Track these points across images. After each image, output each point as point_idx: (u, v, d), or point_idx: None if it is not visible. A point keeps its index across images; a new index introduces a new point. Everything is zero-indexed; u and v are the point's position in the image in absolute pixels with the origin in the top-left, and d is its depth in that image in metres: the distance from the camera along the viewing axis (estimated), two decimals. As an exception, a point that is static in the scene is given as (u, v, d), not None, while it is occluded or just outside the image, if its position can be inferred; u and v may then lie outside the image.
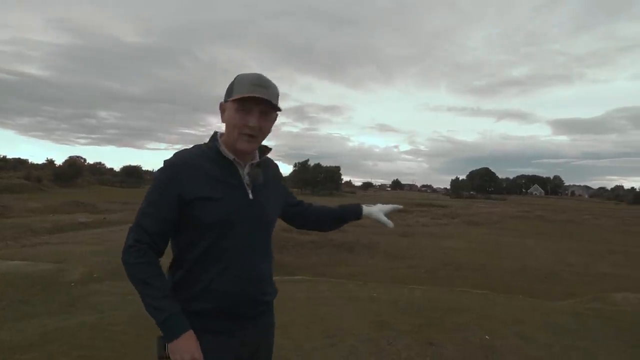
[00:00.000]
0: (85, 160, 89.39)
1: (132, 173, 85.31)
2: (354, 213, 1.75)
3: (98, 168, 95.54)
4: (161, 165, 1.31)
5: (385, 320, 4.66)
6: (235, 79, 1.35)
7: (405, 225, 33.32)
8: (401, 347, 3.90)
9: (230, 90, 1.34)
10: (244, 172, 1.40)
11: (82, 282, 6.51)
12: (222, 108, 1.39)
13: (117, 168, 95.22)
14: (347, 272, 13.50)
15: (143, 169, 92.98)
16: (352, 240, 21.98)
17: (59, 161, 78.29)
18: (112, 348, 3.73)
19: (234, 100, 1.30)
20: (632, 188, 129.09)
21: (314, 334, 4.10)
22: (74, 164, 71.51)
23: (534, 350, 4.01)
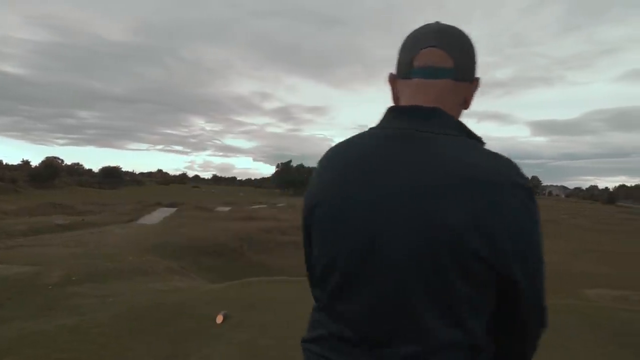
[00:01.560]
0: (62, 161, 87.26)
1: (111, 174, 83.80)
2: None
3: (76, 169, 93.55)
4: (529, 191, 0.73)
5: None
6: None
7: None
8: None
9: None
10: None
11: (60, 284, 6.38)
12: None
13: (95, 169, 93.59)
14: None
15: (123, 169, 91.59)
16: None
17: (35, 162, 76.43)
18: (91, 350, 3.68)
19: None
20: (606, 188, 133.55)
21: (294, 333, 4.12)
22: (51, 165, 69.75)
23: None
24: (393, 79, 0.90)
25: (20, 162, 77.72)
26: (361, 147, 0.82)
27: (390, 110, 0.84)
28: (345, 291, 0.78)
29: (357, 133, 0.88)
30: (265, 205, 47.80)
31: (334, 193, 0.80)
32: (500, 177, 0.70)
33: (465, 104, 0.88)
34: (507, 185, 0.70)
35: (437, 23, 0.86)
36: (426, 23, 0.87)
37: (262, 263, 15.14)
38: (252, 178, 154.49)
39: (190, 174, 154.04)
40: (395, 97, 0.90)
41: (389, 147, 0.78)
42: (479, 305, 0.72)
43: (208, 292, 6.15)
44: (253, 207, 44.06)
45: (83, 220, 22.57)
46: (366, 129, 0.87)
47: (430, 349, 0.71)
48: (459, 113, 0.86)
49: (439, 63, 0.82)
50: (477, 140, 0.80)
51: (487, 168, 0.71)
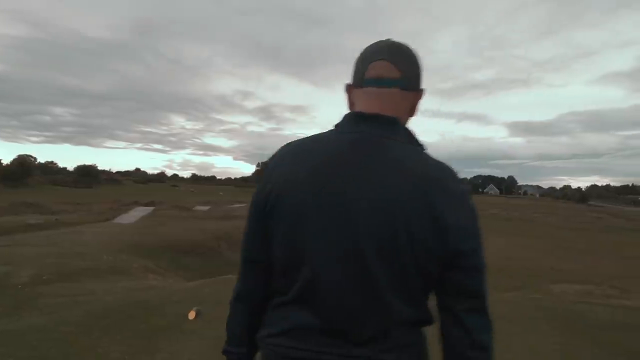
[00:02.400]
0: (35, 159, 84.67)
1: (86, 173, 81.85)
2: None
3: (50, 167, 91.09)
4: (467, 192, 0.93)
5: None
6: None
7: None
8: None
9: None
10: None
11: (30, 284, 6.30)
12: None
13: (70, 167, 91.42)
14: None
15: (99, 168, 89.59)
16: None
17: (6, 160, 73.90)
18: (60, 349, 3.69)
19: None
20: (579, 188, 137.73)
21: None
22: (24, 163, 67.72)
23: (472, 337, 4.31)
24: (349, 88, 1.02)
25: (-10, 160, 74.92)
26: (330, 147, 0.90)
27: (351, 116, 0.95)
28: (319, 284, 0.86)
29: (316, 133, 0.97)
30: (245, 204, 47.55)
31: (308, 189, 0.87)
32: (447, 182, 0.86)
33: (412, 111, 1.02)
34: (454, 188, 0.86)
35: (389, 40, 0.99)
36: (379, 40, 0.99)
37: (237, 262, 15.10)
38: (232, 177, 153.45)
39: (169, 172, 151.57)
40: (351, 104, 1.02)
41: (355, 150, 0.88)
42: (428, 286, 0.88)
43: (182, 290, 6.19)
44: (232, 206, 43.80)
45: (57, 219, 22.03)
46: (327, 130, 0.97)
47: (393, 327, 0.85)
48: (406, 119, 1.00)
49: (388, 74, 0.95)
50: (421, 147, 0.94)
51: (435, 174, 0.87)
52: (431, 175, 0.86)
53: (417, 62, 1.00)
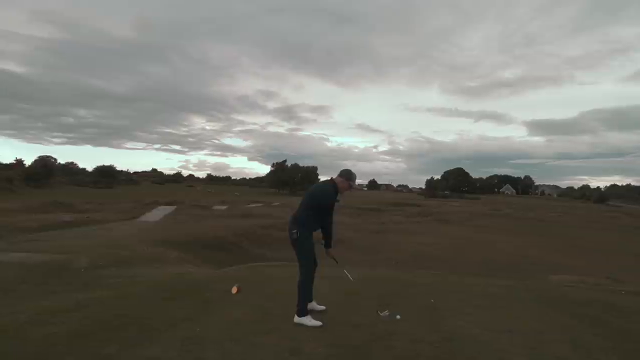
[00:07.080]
0: (56, 160, 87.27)
1: (105, 173, 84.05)
2: (327, 244, 4.74)
3: (70, 168, 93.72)
4: (324, 192, 4.38)
5: (353, 291, 5.76)
6: (352, 174, 4.52)
7: (379, 223, 34.71)
8: (363, 308, 5.01)
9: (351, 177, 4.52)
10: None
11: (90, 268, 7.37)
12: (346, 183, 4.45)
13: (90, 168, 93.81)
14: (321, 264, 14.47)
15: (117, 168, 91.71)
16: (328, 237, 22.85)
17: (28, 161, 76.41)
18: (135, 310, 4.66)
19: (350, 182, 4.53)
20: (598, 187, 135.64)
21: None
22: (47, 164, 70.13)
23: (467, 308, 5.18)
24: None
25: (13, 161, 77.62)
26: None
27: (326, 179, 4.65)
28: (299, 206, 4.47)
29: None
30: (261, 204, 48.66)
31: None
32: (321, 186, 4.49)
33: (344, 182, 4.47)
34: (323, 189, 4.42)
35: (344, 169, 4.59)
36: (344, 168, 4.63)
37: (261, 255, 16.16)
38: (247, 177, 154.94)
39: (185, 173, 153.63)
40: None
41: (316, 185, 4.65)
42: (312, 211, 4.40)
43: (219, 274, 7.16)
44: (249, 205, 44.97)
45: (88, 217, 23.43)
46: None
47: (301, 214, 4.38)
48: (341, 183, 4.45)
49: (338, 175, 4.54)
50: (332, 182, 4.46)
51: (321, 186, 4.50)
52: (317, 185, 4.56)
53: (346, 172, 4.49)
